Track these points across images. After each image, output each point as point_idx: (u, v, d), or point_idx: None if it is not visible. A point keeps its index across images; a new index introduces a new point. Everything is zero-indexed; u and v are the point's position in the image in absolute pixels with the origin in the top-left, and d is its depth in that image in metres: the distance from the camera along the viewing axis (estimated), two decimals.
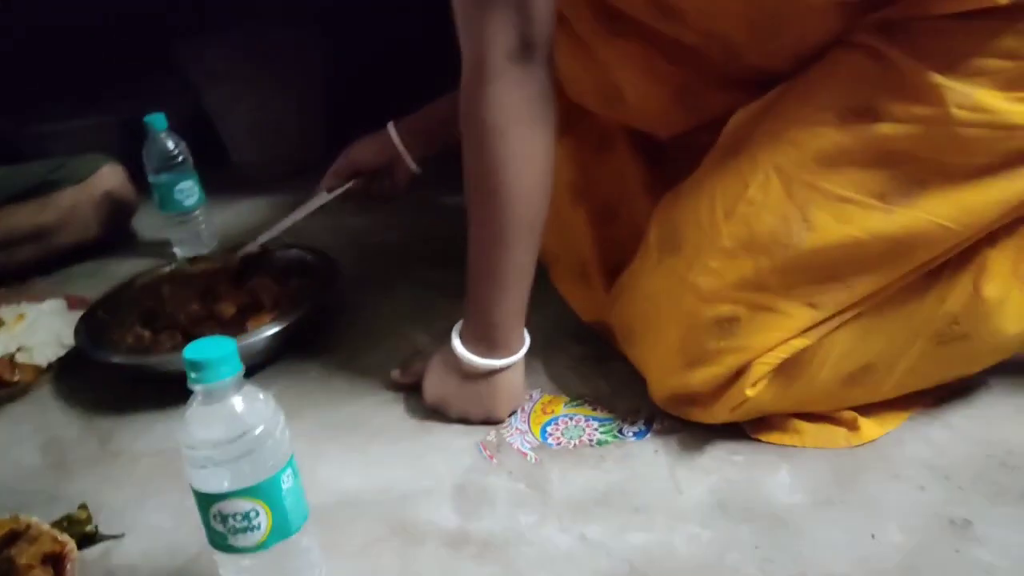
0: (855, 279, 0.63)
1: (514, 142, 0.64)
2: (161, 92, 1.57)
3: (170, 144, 1.12)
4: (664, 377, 0.67)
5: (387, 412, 0.78)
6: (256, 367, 0.85)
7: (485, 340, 0.71)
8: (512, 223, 0.67)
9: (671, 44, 0.70)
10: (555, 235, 0.78)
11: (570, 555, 0.58)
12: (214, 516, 0.50)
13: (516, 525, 0.61)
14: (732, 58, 0.69)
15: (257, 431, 0.50)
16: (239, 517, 0.50)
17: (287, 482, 0.51)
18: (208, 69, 1.43)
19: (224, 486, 0.49)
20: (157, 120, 1.12)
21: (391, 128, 0.96)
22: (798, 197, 0.63)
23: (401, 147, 0.95)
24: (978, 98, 0.57)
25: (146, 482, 0.72)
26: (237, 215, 1.31)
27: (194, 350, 0.48)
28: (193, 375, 0.48)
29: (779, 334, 0.63)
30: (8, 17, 1.55)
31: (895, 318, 0.64)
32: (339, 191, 0.97)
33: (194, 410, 0.50)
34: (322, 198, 0.98)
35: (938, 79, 0.58)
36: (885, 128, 0.60)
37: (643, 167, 0.82)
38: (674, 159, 0.78)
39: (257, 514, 0.50)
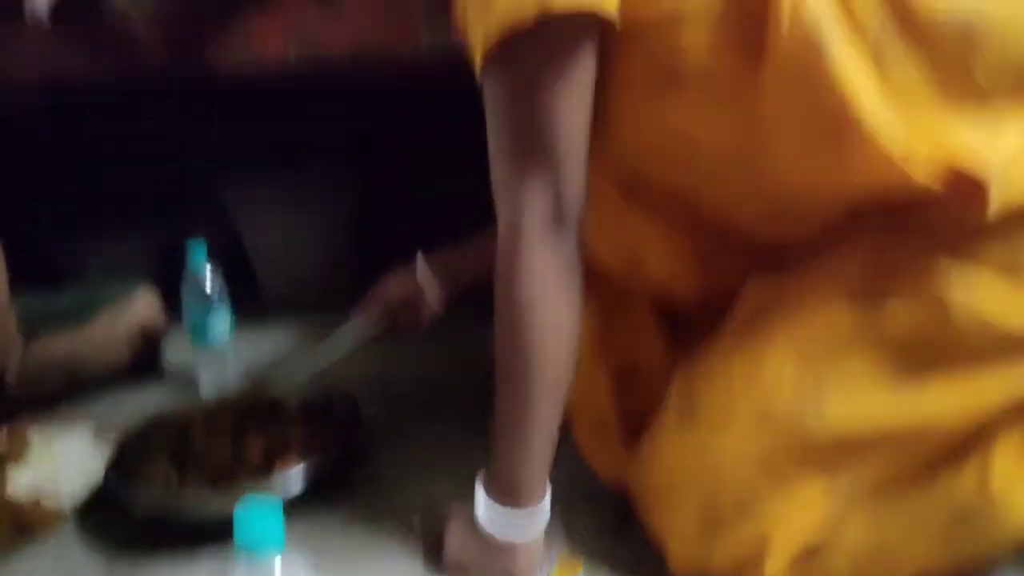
0: (868, 459, 0.65)
1: (545, 308, 0.68)
2: (197, 217, 1.65)
3: (208, 278, 1.18)
4: (683, 549, 0.69)
5: (406, 567, 0.79)
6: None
7: (508, 496, 0.72)
8: (539, 386, 0.70)
9: (690, 218, 0.75)
10: (576, 391, 0.81)
11: None
12: None
13: None
14: (748, 238, 0.74)
15: None
16: None
17: None
18: (246, 198, 1.51)
19: None
20: (198, 252, 1.18)
21: (419, 260, 1.01)
22: (812, 376, 0.67)
23: (426, 281, 1.00)
24: (975, 296, 0.62)
25: None
26: (264, 344, 1.34)
27: (244, 517, 0.51)
28: (240, 541, 0.51)
29: (797, 512, 0.65)
30: (53, 134, 1.65)
31: (908, 505, 0.66)
32: (366, 334, 1.02)
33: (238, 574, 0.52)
34: (350, 341, 1.02)
35: (945, 261, 0.63)
36: (892, 313, 0.65)
37: (662, 328, 0.86)
38: (692, 321, 0.82)
39: None
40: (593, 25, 0.63)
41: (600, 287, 0.86)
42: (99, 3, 1.30)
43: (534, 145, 0.65)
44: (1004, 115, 0.62)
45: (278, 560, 0.52)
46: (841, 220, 0.69)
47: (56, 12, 1.30)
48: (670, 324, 0.87)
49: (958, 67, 0.62)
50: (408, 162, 1.64)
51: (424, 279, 1.00)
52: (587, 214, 0.70)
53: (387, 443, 1.01)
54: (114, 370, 1.23)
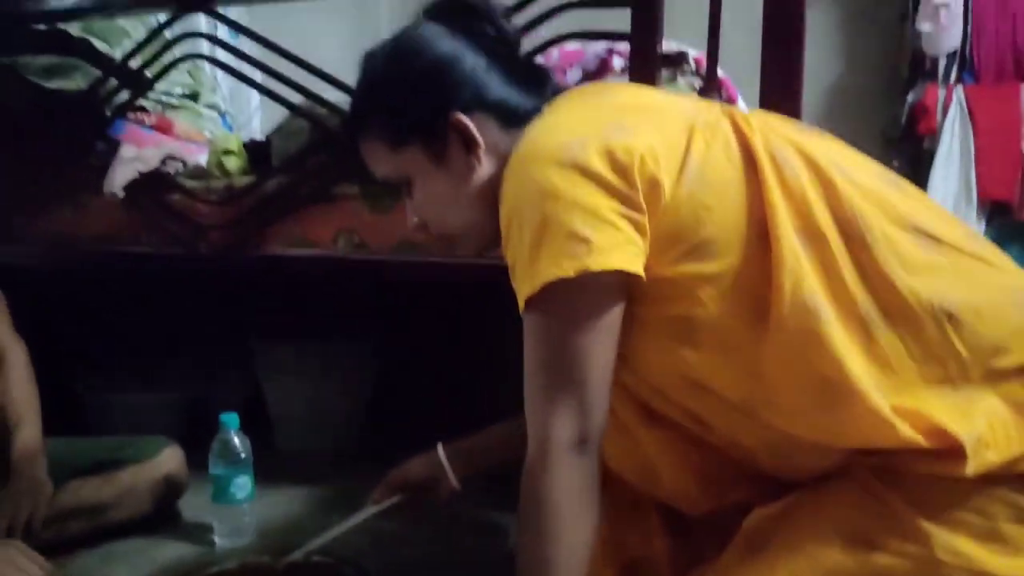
0: None
1: (565, 520, 0.75)
2: (222, 376, 1.77)
3: (236, 442, 1.27)
4: None
5: None
6: None
7: None
8: None
9: (701, 441, 0.84)
10: None
11: None
12: None
13: None
14: (752, 463, 0.83)
15: None
16: None
17: None
18: (274, 365, 1.63)
19: None
20: (231, 419, 1.27)
21: (439, 448, 1.10)
22: None
23: (447, 464, 1.09)
24: (958, 546, 0.70)
25: None
26: (279, 503, 1.41)
27: None
28: None
29: None
30: (102, 292, 1.78)
31: None
32: (385, 504, 1.10)
33: None
34: (368, 511, 1.10)
35: (926, 525, 0.71)
36: (882, 559, 0.72)
37: (669, 536, 0.92)
38: (698, 535, 0.89)
39: None
40: (623, 279, 0.73)
41: (613, 488, 0.90)
42: (171, 183, 1.48)
43: (567, 379, 0.75)
44: (975, 395, 0.72)
45: None
46: (838, 459, 0.78)
47: (130, 187, 1.47)
48: (678, 534, 0.92)
49: (937, 346, 0.72)
50: (423, 350, 1.77)
51: (442, 463, 1.09)
52: (607, 431, 0.78)
53: None
54: (134, 518, 1.29)
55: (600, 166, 0.73)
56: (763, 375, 0.74)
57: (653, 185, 0.73)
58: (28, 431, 1.25)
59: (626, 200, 0.73)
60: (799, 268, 0.72)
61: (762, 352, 0.74)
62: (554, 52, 1.29)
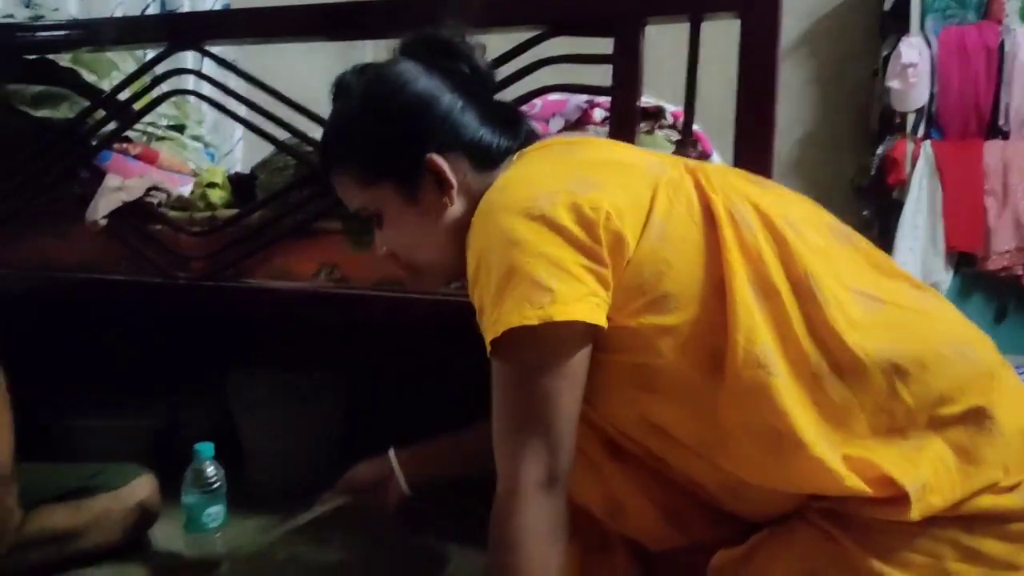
0: None
1: (534, 560, 0.77)
2: (194, 404, 1.76)
3: (211, 471, 1.27)
4: None
5: None
6: None
7: None
8: None
9: (664, 477, 0.86)
10: None
11: None
12: None
13: None
14: (713, 501, 0.86)
15: None
16: None
17: None
18: (248, 396, 1.64)
19: None
20: (205, 448, 1.28)
21: (391, 452, 1.13)
22: None
23: (397, 468, 1.11)
24: None
25: None
26: (249, 532, 1.40)
27: None
28: None
29: None
30: (75, 316, 1.78)
31: None
32: (330, 506, 1.12)
33: None
34: (315, 511, 1.12)
35: (878, 566, 0.74)
36: None
37: (637, 568, 0.95)
38: (664, 573, 0.92)
39: None
40: (587, 329, 0.76)
41: (582, 527, 0.93)
42: (154, 214, 1.50)
43: (534, 421, 0.77)
44: (923, 442, 0.75)
45: None
46: (791, 503, 0.81)
47: (113, 215, 1.49)
48: (645, 564, 0.95)
49: (885, 399, 0.75)
50: (396, 385, 1.78)
51: (393, 467, 1.12)
52: (574, 467, 0.80)
53: None
54: (103, 546, 1.29)
55: (567, 220, 0.76)
56: (718, 422, 0.77)
57: (617, 240, 0.77)
58: None
59: (590, 254, 0.76)
60: (753, 324, 0.75)
61: (717, 401, 0.77)
62: (538, 102, 1.33)
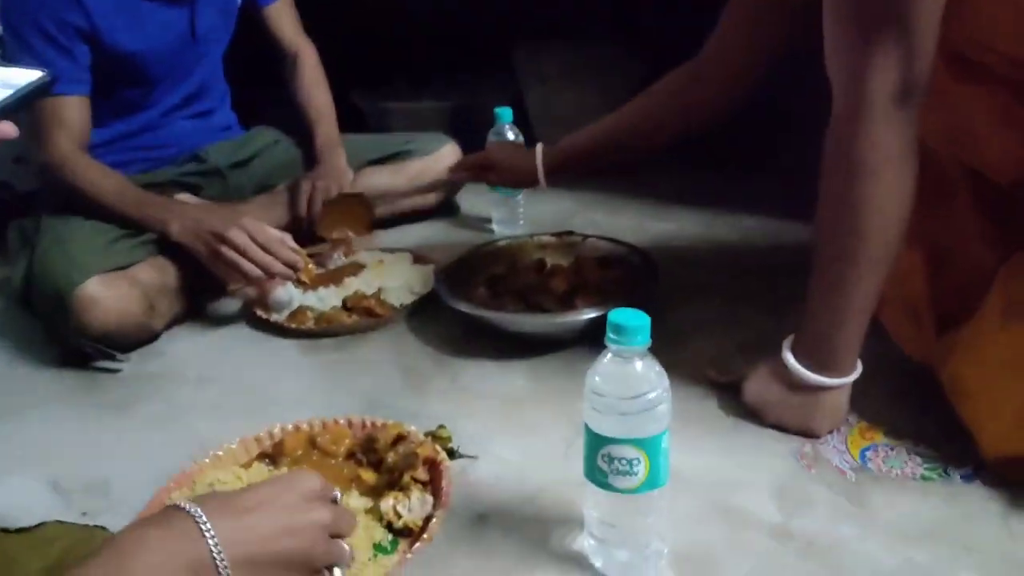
0: None
1: (884, 181, 0.67)
2: (485, 83, 1.77)
3: (511, 135, 1.27)
4: (999, 443, 0.68)
5: (701, 404, 0.85)
6: (571, 342, 0.96)
7: (820, 358, 0.75)
8: (868, 257, 0.70)
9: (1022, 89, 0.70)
10: (889, 275, 0.80)
11: (896, 574, 0.62)
12: (602, 456, 0.59)
13: (838, 534, 0.66)
14: None
15: (653, 394, 0.58)
16: (624, 462, 0.59)
17: (665, 443, 0.60)
18: (535, 70, 1.59)
19: (618, 432, 0.58)
20: (504, 113, 1.27)
21: (539, 146, 1.09)
22: None
23: (539, 158, 1.08)
24: None
25: (491, 419, 0.84)
26: (547, 198, 1.42)
27: (618, 316, 0.58)
28: (614, 336, 0.58)
29: None
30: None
31: None
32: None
33: (606, 365, 0.59)
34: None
35: None
36: None
37: (983, 218, 0.82)
38: (1019, 216, 0.77)
39: (639, 462, 0.58)
40: None
41: (921, 169, 0.83)
42: None
43: (888, 13, 0.62)
44: None
45: (642, 359, 0.58)
46: None
47: None
48: (994, 216, 0.82)
49: None
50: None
51: (535, 157, 1.08)
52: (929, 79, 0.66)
53: (672, 299, 1.06)
54: (422, 208, 1.39)
55: None
56: None
57: None
58: (327, 125, 1.34)
59: None
60: None
61: None
62: None
